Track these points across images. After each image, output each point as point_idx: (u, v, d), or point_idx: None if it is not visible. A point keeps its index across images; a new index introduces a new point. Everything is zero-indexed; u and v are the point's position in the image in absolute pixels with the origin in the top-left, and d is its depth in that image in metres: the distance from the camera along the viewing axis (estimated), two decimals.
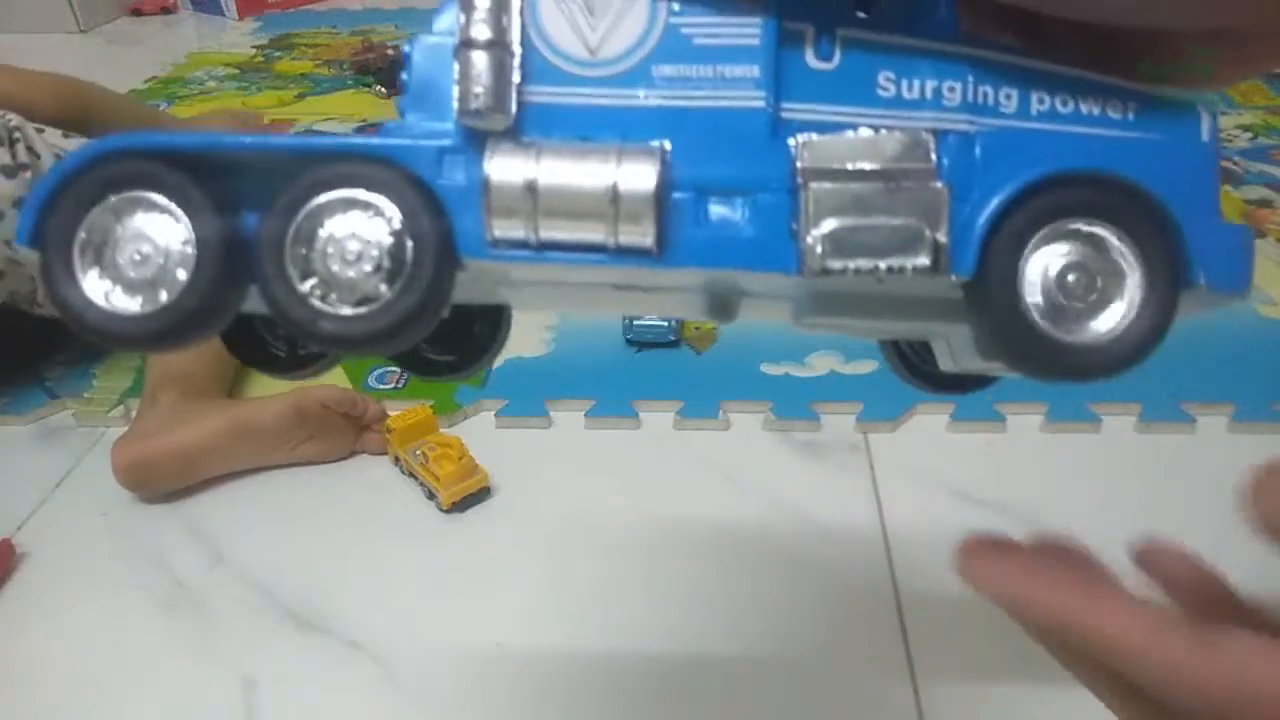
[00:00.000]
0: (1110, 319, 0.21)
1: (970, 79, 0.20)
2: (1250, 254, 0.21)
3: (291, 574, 0.71)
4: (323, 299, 0.20)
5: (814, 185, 0.20)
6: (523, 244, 0.20)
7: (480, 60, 0.19)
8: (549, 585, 0.68)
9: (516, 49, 0.20)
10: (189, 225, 0.20)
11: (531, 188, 0.19)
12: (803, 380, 0.87)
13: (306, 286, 0.20)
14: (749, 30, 0.20)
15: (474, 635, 0.65)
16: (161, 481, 0.77)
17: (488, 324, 0.26)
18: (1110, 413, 0.81)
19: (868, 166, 0.20)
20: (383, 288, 0.20)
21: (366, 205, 0.20)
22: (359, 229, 0.20)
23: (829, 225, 0.20)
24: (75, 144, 0.88)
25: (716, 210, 0.20)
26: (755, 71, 0.20)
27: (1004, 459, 0.79)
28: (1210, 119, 0.21)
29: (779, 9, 0.20)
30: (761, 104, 0.20)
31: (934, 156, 0.20)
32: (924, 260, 0.20)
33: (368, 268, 0.20)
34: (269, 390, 0.87)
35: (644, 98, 0.20)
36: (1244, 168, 1.23)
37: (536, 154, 0.19)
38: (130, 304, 0.21)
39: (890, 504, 0.75)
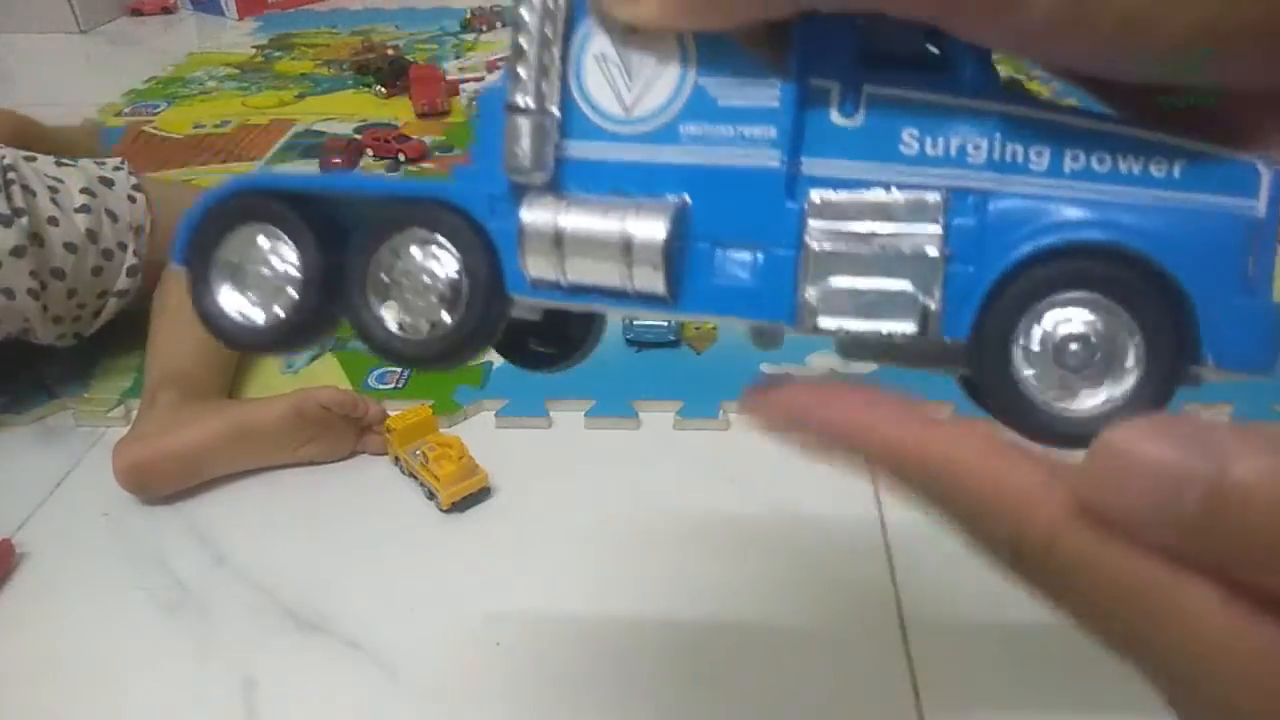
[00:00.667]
0: (1104, 395, 0.21)
1: (997, 136, 0.20)
2: (1276, 337, 0.20)
3: (292, 574, 0.71)
4: (397, 323, 0.24)
5: (814, 245, 0.21)
6: (555, 285, 0.22)
7: (522, 125, 0.21)
8: (548, 585, 0.68)
9: (556, 112, 0.21)
10: (297, 254, 0.24)
11: (559, 234, 0.21)
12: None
13: (383, 311, 0.24)
14: (769, 92, 0.21)
15: (474, 635, 0.65)
16: (163, 484, 0.77)
17: (583, 322, 0.29)
18: None
19: (871, 228, 0.20)
20: (444, 315, 0.24)
21: (433, 243, 0.23)
22: (428, 263, 0.24)
23: (824, 284, 0.21)
24: (69, 172, 0.88)
25: (729, 262, 0.21)
26: (773, 133, 0.21)
27: None
28: (1274, 178, 0.20)
29: (802, 69, 0.21)
30: (777, 164, 0.21)
31: (941, 219, 0.20)
32: (910, 326, 0.20)
33: (434, 298, 0.24)
34: (268, 391, 0.88)
35: (672, 154, 0.21)
36: None
37: (566, 205, 0.21)
38: (255, 315, 0.25)
39: (890, 504, 0.75)
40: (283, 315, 0.25)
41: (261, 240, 0.25)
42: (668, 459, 0.80)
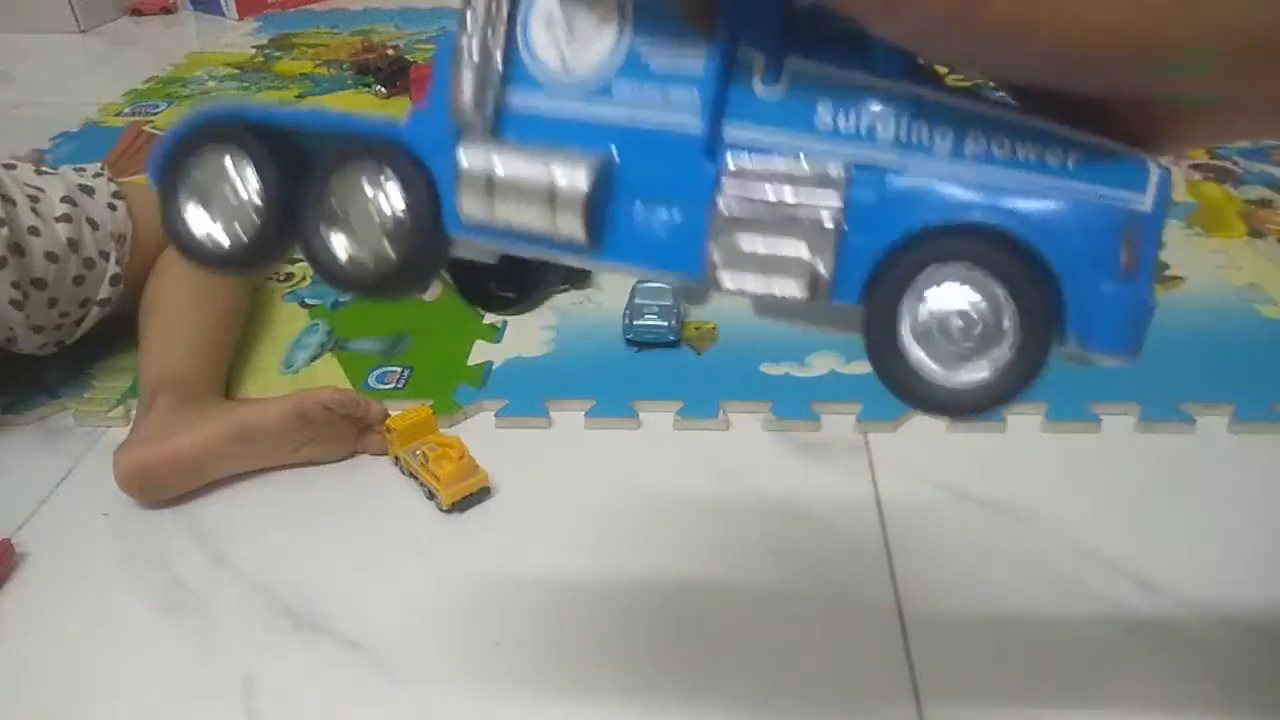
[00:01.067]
0: (979, 368, 0.22)
1: (905, 116, 0.22)
2: (1142, 323, 0.21)
3: (292, 574, 0.71)
4: (346, 253, 0.26)
5: (723, 206, 0.22)
6: (488, 226, 0.24)
7: (466, 70, 0.23)
8: (548, 585, 0.68)
9: (499, 60, 0.23)
10: (259, 178, 0.26)
11: (491, 177, 0.23)
12: (803, 380, 0.87)
13: (333, 239, 0.26)
14: (696, 59, 0.22)
15: (474, 635, 0.65)
16: (165, 487, 0.76)
17: (538, 268, 0.30)
18: (1110, 413, 0.81)
19: (777, 194, 0.22)
20: (388, 247, 0.25)
21: (381, 177, 0.25)
22: (375, 196, 0.25)
23: (728, 243, 0.22)
24: (49, 180, 0.87)
25: (649, 217, 0.23)
26: (695, 98, 0.22)
27: (1004, 459, 0.79)
28: (1161, 175, 0.21)
29: (729, 39, 0.22)
30: (697, 128, 0.22)
31: (842, 191, 0.22)
32: (800, 290, 0.22)
33: (379, 229, 0.25)
34: (267, 391, 0.88)
35: (604, 111, 0.23)
36: (1244, 168, 1.24)
37: (499, 149, 0.23)
38: (218, 235, 0.27)
39: (890, 504, 0.75)
40: (244, 237, 0.26)
41: (228, 163, 0.26)
42: (668, 459, 0.80)
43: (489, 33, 0.23)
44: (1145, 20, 0.17)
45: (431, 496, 0.75)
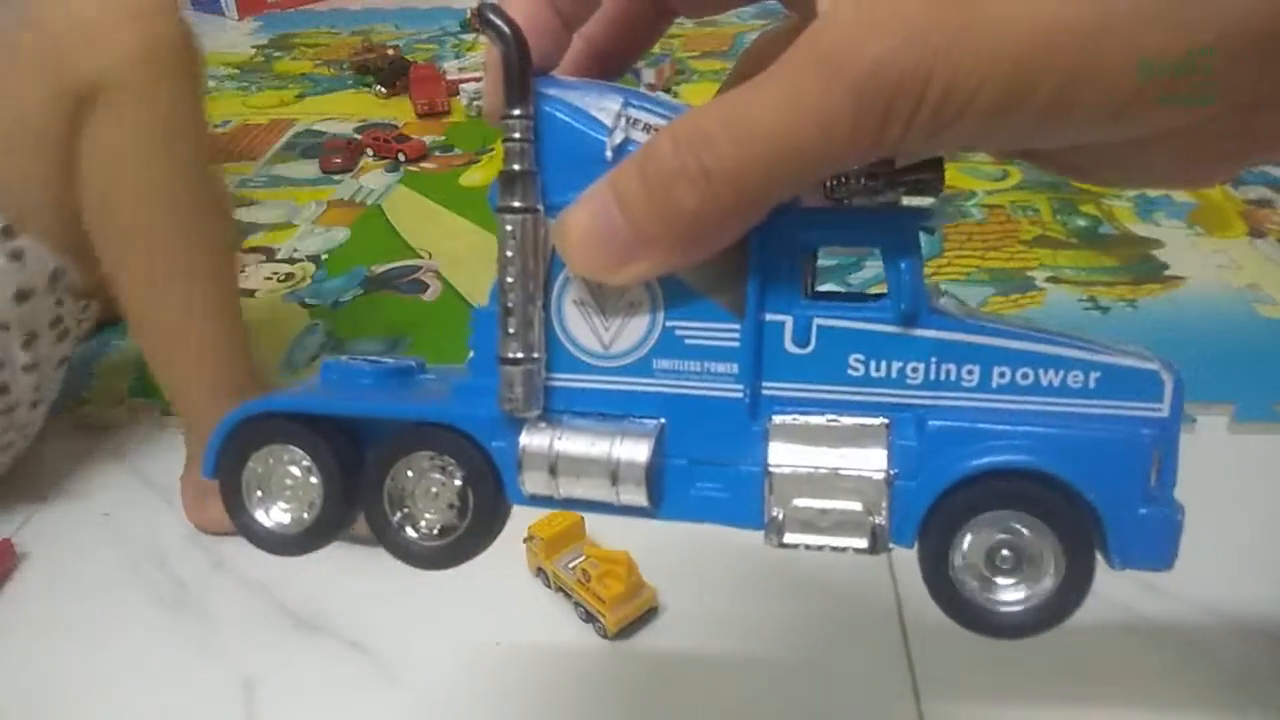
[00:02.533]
0: (1027, 593, 0.24)
1: (933, 359, 0.23)
2: (1175, 537, 0.24)
3: (291, 574, 0.71)
4: (413, 528, 0.28)
5: (776, 469, 0.23)
6: (549, 498, 0.26)
7: (515, 374, 0.24)
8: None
9: (542, 357, 0.25)
10: (318, 470, 0.27)
11: (553, 461, 0.25)
12: None
13: (398, 518, 0.28)
14: (729, 334, 0.24)
15: (474, 635, 0.65)
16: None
17: None
18: None
19: (825, 453, 0.23)
20: (455, 521, 0.28)
21: (440, 461, 0.27)
22: (437, 476, 0.27)
23: (788, 504, 0.24)
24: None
25: (702, 477, 0.25)
26: (734, 368, 0.24)
27: None
28: (1175, 381, 0.23)
29: (759, 310, 0.23)
30: (739, 395, 0.24)
31: (886, 442, 0.23)
32: (862, 543, 0.23)
33: (444, 506, 0.27)
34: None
35: (647, 384, 0.25)
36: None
37: (558, 433, 0.25)
38: (285, 521, 0.28)
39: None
40: (309, 522, 0.28)
41: (285, 457, 0.28)
42: None
43: (529, 335, 0.24)
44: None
45: (590, 619, 0.65)
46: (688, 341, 0.24)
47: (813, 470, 0.23)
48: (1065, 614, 0.24)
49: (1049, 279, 1.02)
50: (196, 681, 0.63)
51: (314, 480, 0.27)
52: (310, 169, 1.33)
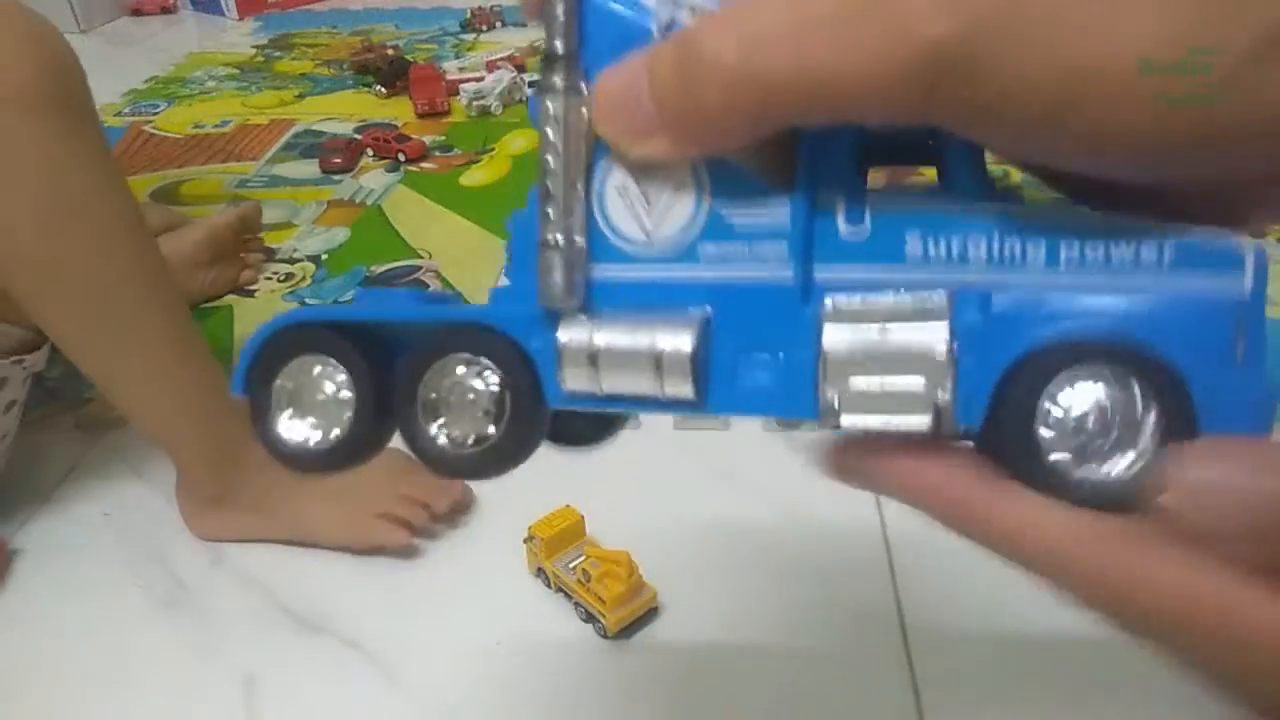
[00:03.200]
0: (1123, 463, 0.21)
1: (995, 234, 0.22)
2: (1269, 403, 0.21)
3: (292, 574, 0.71)
4: (447, 437, 0.26)
5: (831, 349, 0.22)
6: (592, 395, 0.24)
7: (554, 260, 0.23)
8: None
9: (583, 244, 0.23)
10: (351, 380, 0.26)
11: (593, 353, 0.23)
12: None
13: (433, 428, 0.26)
14: (779, 211, 0.22)
15: (474, 635, 0.65)
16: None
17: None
18: None
19: (884, 331, 0.22)
20: (490, 429, 0.25)
21: (476, 363, 0.25)
22: (473, 382, 0.25)
23: (843, 385, 0.22)
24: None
25: (751, 367, 0.23)
26: (784, 249, 0.23)
27: None
28: (1257, 257, 0.21)
29: (807, 187, 0.22)
30: (790, 277, 0.23)
31: (948, 320, 0.22)
32: (925, 421, 0.22)
33: (480, 413, 0.25)
34: None
35: (693, 272, 0.23)
36: None
37: (598, 326, 0.23)
38: (315, 438, 0.27)
39: (890, 505, 0.74)
40: (341, 436, 0.27)
41: (317, 369, 0.27)
42: (668, 459, 0.80)
43: (570, 220, 0.23)
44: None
45: (590, 619, 0.65)
46: (736, 224, 0.23)
47: (870, 348, 0.22)
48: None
49: None
50: (196, 681, 0.63)
51: (346, 394, 0.26)
52: (310, 169, 1.33)
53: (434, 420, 0.26)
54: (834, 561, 0.70)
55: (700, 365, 0.23)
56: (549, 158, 0.23)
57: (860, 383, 0.22)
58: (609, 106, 0.21)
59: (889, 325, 0.22)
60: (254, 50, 1.85)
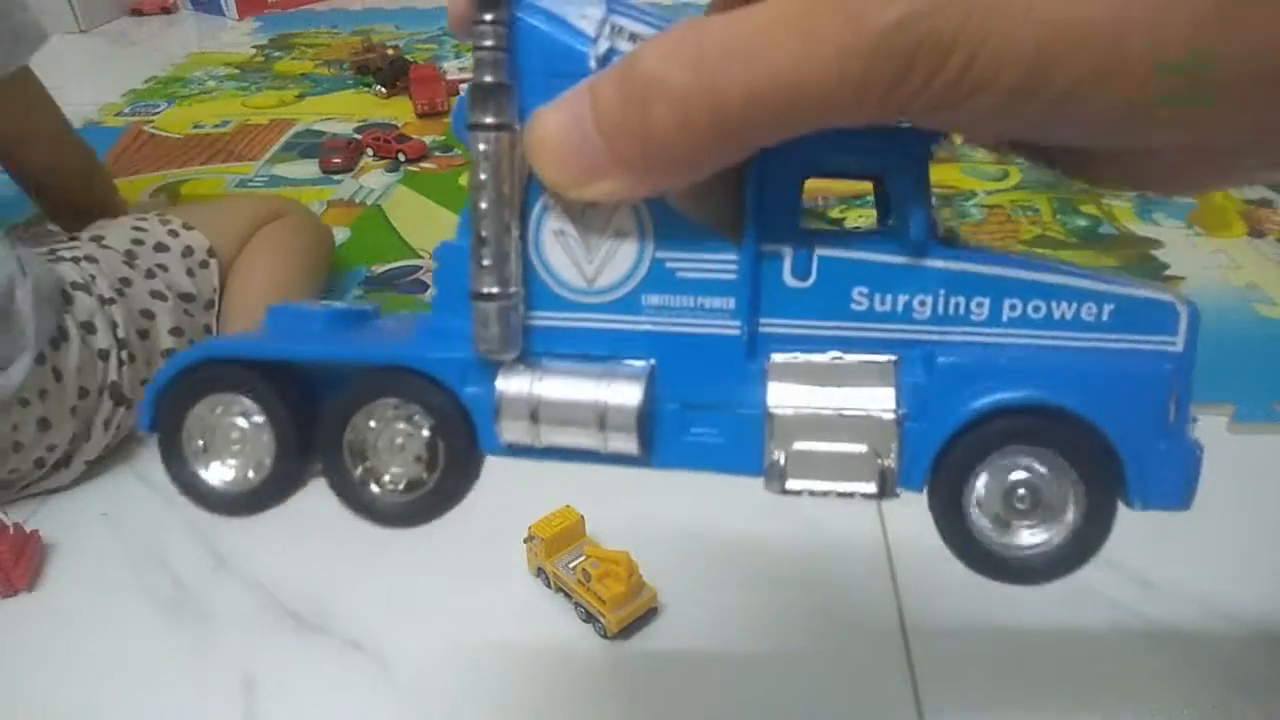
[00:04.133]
0: (1046, 535, 0.22)
1: (941, 292, 0.22)
2: (1196, 474, 0.22)
3: (292, 574, 0.71)
4: (375, 482, 0.25)
5: (776, 410, 0.22)
6: (529, 447, 0.23)
7: (490, 310, 0.22)
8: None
9: (519, 291, 0.22)
10: (268, 421, 0.25)
11: (534, 407, 0.22)
12: None
13: (359, 472, 0.25)
14: (725, 266, 0.22)
15: (474, 634, 0.65)
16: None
17: None
18: None
19: (828, 393, 0.22)
20: (424, 474, 0.24)
21: (405, 409, 0.24)
22: (402, 427, 0.24)
23: (789, 448, 0.22)
24: (160, 308, 0.84)
25: (696, 421, 0.23)
26: (731, 303, 0.22)
27: None
28: (1190, 313, 0.21)
29: (757, 238, 0.22)
30: (736, 332, 0.22)
31: (894, 380, 0.22)
32: (870, 487, 0.22)
33: (411, 459, 0.24)
34: None
35: (636, 322, 0.22)
36: None
37: (539, 376, 0.22)
38: (229, 479, 0.26)
39: (891, 506, 0.74)
40: (256, 479, 0.26)
41: (231, 408, 0.25)
42: None
43: (505, 269, 0.21)
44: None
45: (589, 619, 0.65)
46: (679, 275, 0.22)
47: (816, 411, 0.22)
48: (1085, 557, 0.22)
49: None
50: (196, 681, 0.63)
51: (264, 435, 0.25)
52: (310, 169, 1.33)
53: (360, 466, 0.25)
54: (834, 562, 0.70)
55: (645, 421, 0.22)
56: (482, 201, 0.21)
57: (806, 446, 0.22)
58: (549, 146, 0.20)
59: (835, 388, 0.22)
60: (254, 50, 1.85)
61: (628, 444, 0.22)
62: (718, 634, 0.65)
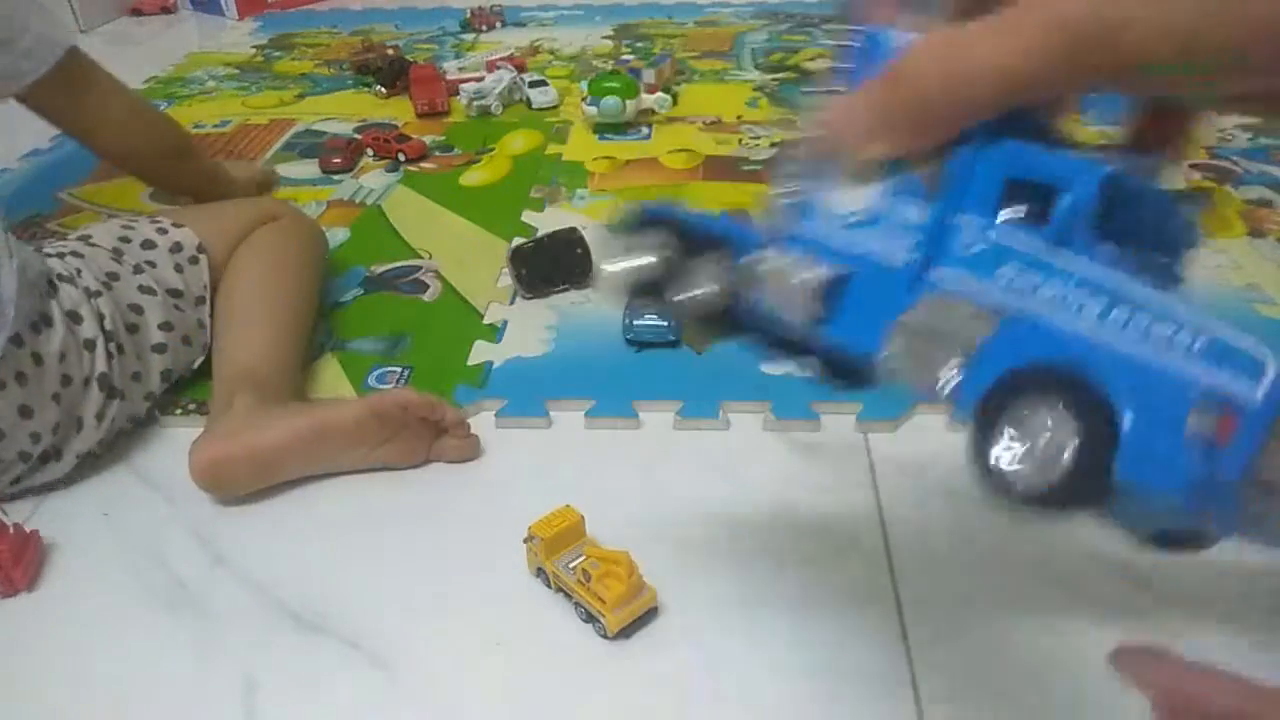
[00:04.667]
0: (1046, 472, 0.26)
1: (1070, 285, 0.26)
2: (1208, 490, 0.24)
3: (292, 574, 0.71)
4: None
5: (904, 319, 0.30)
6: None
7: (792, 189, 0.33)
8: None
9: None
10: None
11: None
12: (803, 380, 0.87)
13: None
14: (921, 214, 0.30)
15: (474, 634, 0.65)
16: (239, 483, 0.76)
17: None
18: None
19: (948, 320, 0.29)
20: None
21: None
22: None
23: (897, 344, 0.30)
24: (149, 302, 0.84)
25: (858, 310, 0.31)
26: (914, 244, 0.30)
27: None
28: (1276, 373, 0.24)
29: (947, 205, 0.29)
30: (909, 262, 0.30)
31: (989, 332, 0.28)
32: (943, 386, 0.29)
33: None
34: (340, 395, 0.88)
35: (857, 240, 0.31)
36: (1244, 168, 1.24)
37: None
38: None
39: (890, 504, 0.75)
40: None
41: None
42: (668, 459, 0.80)
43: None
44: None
45: (590, 619, 0.65)
46: (894, 215, 0.30)
47: (931, 326, 0.29)
48: (1073, 498, 0.25)
49: None
50: (196, 681, 0.63)
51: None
52: (310, 169, 1.33)
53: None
54: (835, 562, 0.70)
55: (827, 296, 0.31)
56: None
57: (905, 345, 0.30)
58: (840, 121, 0.29)
59: (946, 322, 0.29)
60: (254, 50, 1.85)
61: (815, 309, 0.32)
62: (717, 634, 0.65)
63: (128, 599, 0.69)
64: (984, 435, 0.27)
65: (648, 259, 0.38)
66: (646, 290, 0.39)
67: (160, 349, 0.84)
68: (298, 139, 1.43)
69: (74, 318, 0.78)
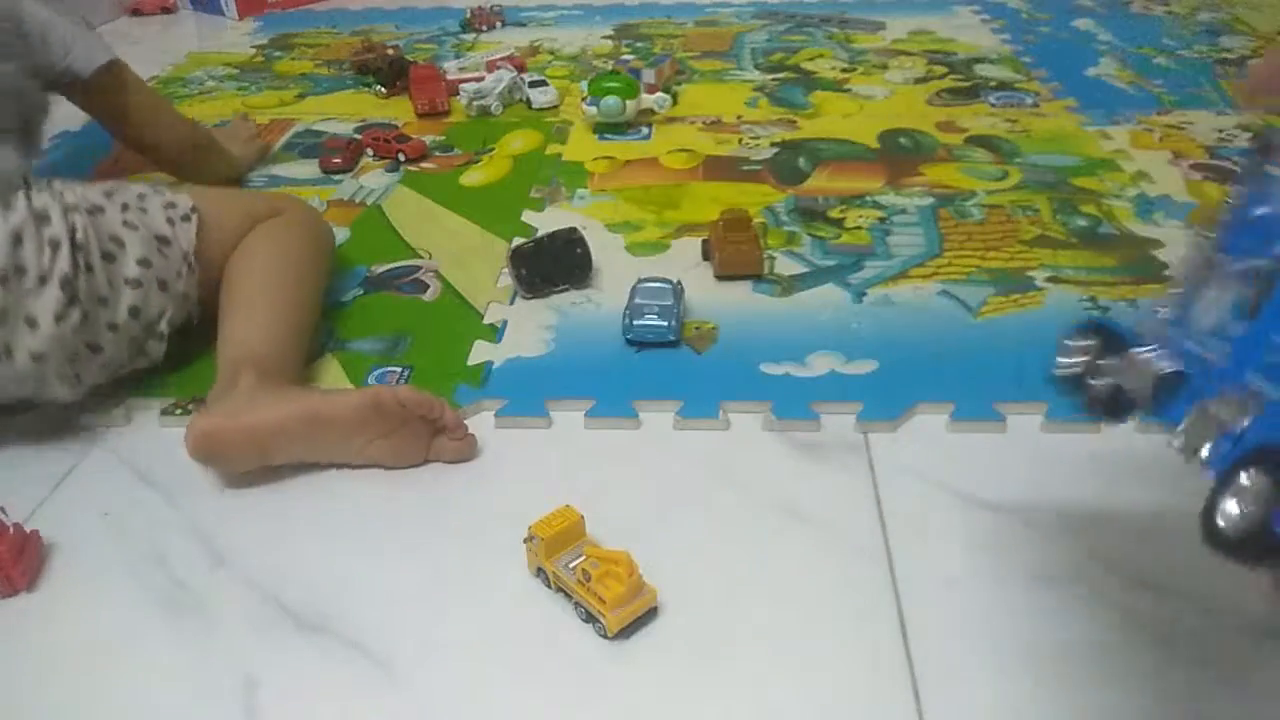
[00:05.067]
0: (1244, 525, 0.35)
1: None
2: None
3: (292, 574, 0.71)
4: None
5: (1206, 402, 0.41)
6: None
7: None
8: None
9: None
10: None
11: None
12: (802, 380, 0.87)
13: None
14: (1241, 330, 0.41)
15: (474, 634, 0.65)
16: (232, 459, 0.77)
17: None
18: None
19: (1232, 407, 0.39)
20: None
21: None
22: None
23: (1193, 417, 0.41)
24: (130, 236, 0.85)
25: (1190, 394, 0.43)
26: (1230, 351, 0.42)
27: (1004, 459, 0.79)
28: None
29: (1263, 325, 0.40)
30: (1226, 367, 0.41)
31: (1244, 414, 0.38)
32: (1214, 448, 0.40)
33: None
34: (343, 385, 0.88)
35: (1194, 347, 0.44)
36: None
37: None
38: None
39: (890, 504, 0.75)
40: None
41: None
42: (668, 459, 0.80)
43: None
44: None
45: (590, 619, 0.65)
46: (1225, 331, 0.41)
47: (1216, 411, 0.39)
48: (1246, 551, 0.36)
49: (1049, 279, 1.02)
50: (196, 681, 0.63)
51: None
52: (310, 169, 1.33)
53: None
54: (835, 563, 0.70)
55: (1163, 387, 0.44)
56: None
57: (1210, 412, 0.40)
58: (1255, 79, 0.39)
59: (1237, 402, 0.39)
60: (254, 50, 1.85)
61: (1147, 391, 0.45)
62: (717, 634, 0.65)
63: (128, 599, 0.69)
64: (1218, 491, 0.35)
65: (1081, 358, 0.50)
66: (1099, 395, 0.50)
67: (134, 284, 0.84)
68: (298, 139, 1.43)
69: (42, 218, 0.79)
